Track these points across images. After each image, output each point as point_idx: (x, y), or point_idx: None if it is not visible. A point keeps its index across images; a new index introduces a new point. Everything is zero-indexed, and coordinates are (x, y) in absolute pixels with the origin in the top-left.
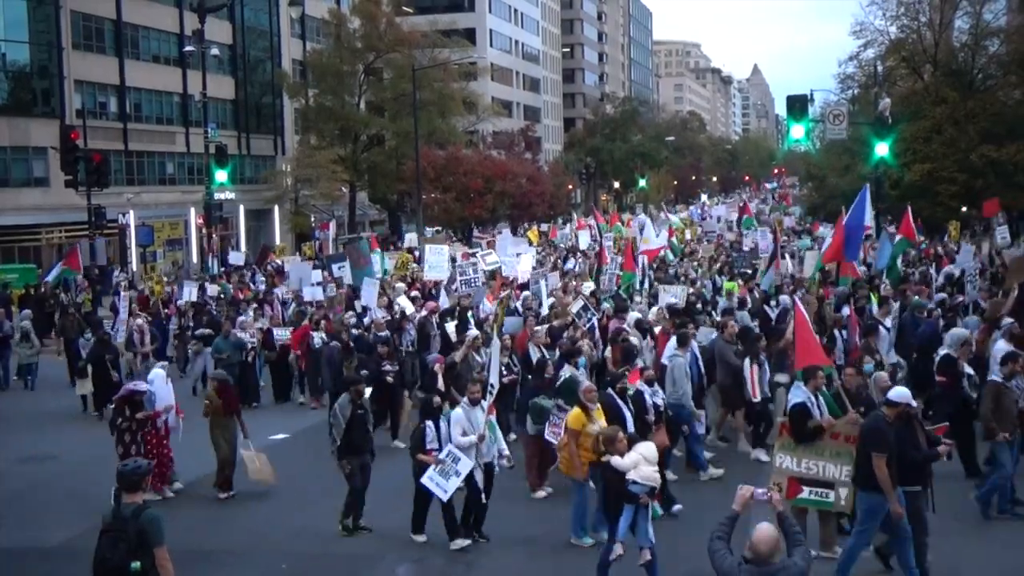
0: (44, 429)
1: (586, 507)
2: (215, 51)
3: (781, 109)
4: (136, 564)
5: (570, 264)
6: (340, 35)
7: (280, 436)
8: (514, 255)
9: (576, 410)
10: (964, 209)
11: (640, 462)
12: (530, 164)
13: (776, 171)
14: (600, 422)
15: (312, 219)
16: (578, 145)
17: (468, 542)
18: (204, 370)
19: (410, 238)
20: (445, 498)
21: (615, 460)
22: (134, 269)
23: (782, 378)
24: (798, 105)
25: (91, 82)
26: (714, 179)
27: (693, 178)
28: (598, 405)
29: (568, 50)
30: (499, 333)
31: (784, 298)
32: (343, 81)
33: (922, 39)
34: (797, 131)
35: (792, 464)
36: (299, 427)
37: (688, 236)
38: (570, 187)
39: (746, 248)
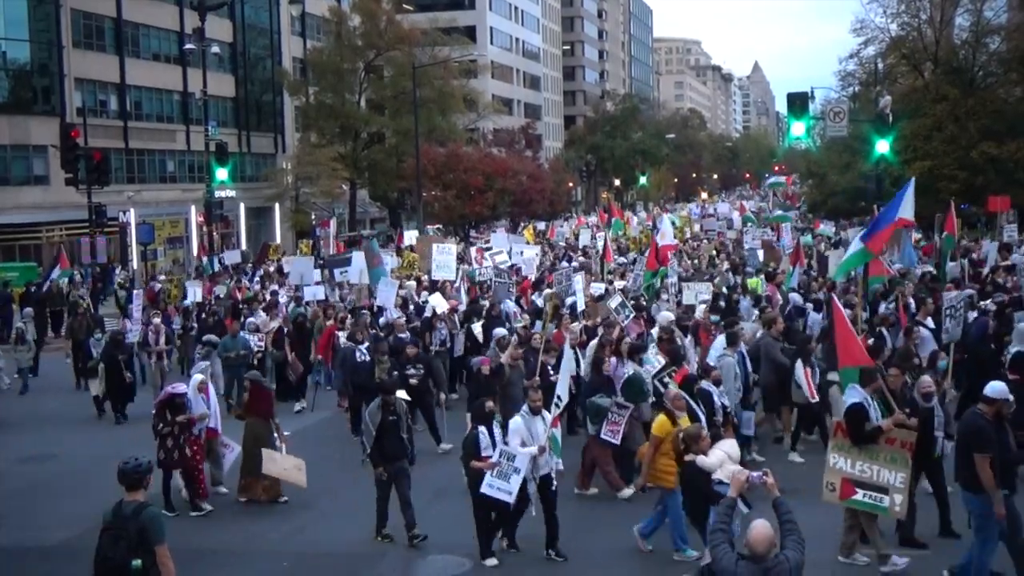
0: (44, 429)
1: (682, 516)
2: (215, 49)
3: (782, 106)
4: (137, 562)
5: (567, 264)
6: (340, 33)
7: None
8: (518, 253)
9: (661, 417)
10: (963, 207)
11: (725, 460)
12: (530, 162)
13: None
14: (679, 428)
15: (313, 217)
16: (578, 142)
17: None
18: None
19: (410, 236)
20: (511, 500)
21: (700, 459)
22: (135, 267)
23: (835, 376)
24: (799, 102)
25: (91, 80)
26: (715, 176)
27: (693, 175)
28: (685, 413)
29: (568, 47)
30: (550, 329)
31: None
32: (343, 79)
33: (923, 36)
34: (798, 128)
35: (846, 465)
36: (298, 426)
37: (688, 234)
38: (570, 185)
39: (747, 246)
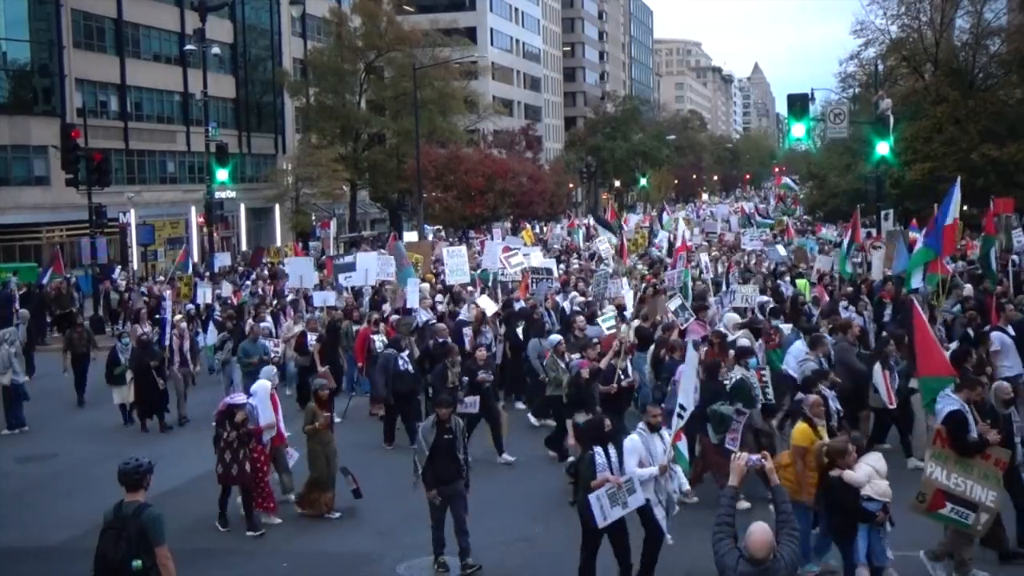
0: (44, 429)
1: (809, 530)
2: (216, 50)
3: (782, 108)
4: (137, 562)
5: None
6: (341, 34)
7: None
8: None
9: (802, 425)
10: (965, 208)
11: (873, 475)
12: (531, 163)
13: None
14: (826, 438)
15: (313, 218)
16: (579, 144)
17: None
18: (236, 382)
19: (409, 237)
20: (601, 525)
21: (847, 474)
22: (135, 268)
23: (916, 384)
24: (799, 104)
25: (92, 81)
26: (715, 178)
27: (694, 177)
28: (825, 422)
29: (569, 49)
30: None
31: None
32: (344, 80)
33: (923, 38)
34: (798, 130)
35: (942, 476)
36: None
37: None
38: (571, 186)
39: (747, 247)
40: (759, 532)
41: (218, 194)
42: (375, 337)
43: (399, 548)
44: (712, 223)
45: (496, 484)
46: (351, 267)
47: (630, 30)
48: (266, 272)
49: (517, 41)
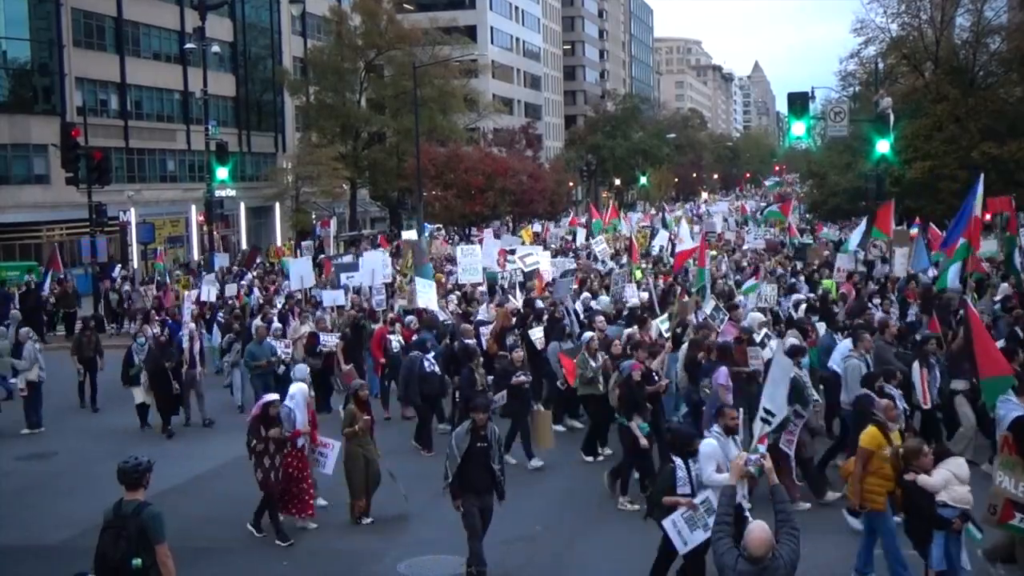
0: (45, 428)
1: (897, 541)
2: (216, 48)
3: (782, 106)
4: (137, 561)
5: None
6: (341, 32)
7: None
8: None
9: (872, 429)
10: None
11: (951, 480)
12: (531, 161)
13: (776, 168)
14: (897, 444)
15: (313, 216)
16: (579, 142)
17: None
18: (242, 385)
19: (409, 235)
20: (683, 551)
21: (922, 479)
22: (135, 266)
23: (959, 385)
24: (799, 102)
25: (92, 79)
26: (715, 176)
27: (694, 175)
28: (897, 425)
29: (569, 47)
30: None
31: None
32: (344, 78)
33: (923, 37)
34: (798, 128)
35: (1010, 485)
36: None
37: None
38: (571, 184)
39: (746, 246)
40: (758, 531)
41: (218, 193)
42: (391, 337)
43: (400, 547)
44: (712, 222)
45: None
46: (354, 267)
47: (630, 28)
48: (258, 272)
49: (517, 39)
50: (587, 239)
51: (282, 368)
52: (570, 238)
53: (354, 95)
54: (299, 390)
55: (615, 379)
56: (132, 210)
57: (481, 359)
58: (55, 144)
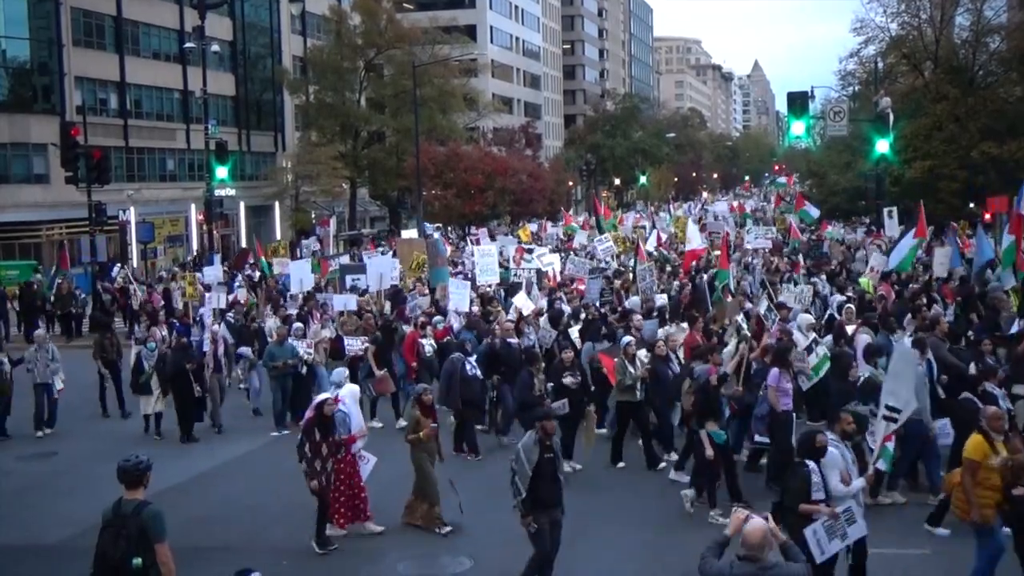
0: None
1: (992, 560)
2: (215, 47)
3: (782, 106)
4: (137, 560)
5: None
6: (341, 31)
7: (283, 432)
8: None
9: (976, 437)
10: (972, 206)
11: None
12: (530, 161)
13: (776, 168)
14: (1005, 455)
15: (313, 215)
16: (579, 142)
17: None
18: (259, 388)
19: (408, 234)
20: (819, 560)
21: None
22: (135, 265)
23: (1022, 389)
24: (799, 102)
25: (91, 78)
26: (715, 176)
27: (694, 175)
28: (1002, 436)
29: (569, 46)
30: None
31: None
32: (343, 77)
33: (923, 36)
34: (798, 128)
35: None
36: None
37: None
38: (571, 184)
39: (747, 246)
40: (755, 521)
41: (218, 192)
42: (423, 341)
43: (400, 547)
44: (716, 223)
45: (495, 481)
46: (360, 268)
47: (630, 28)
48: (247, 274)
49: (517, 39)
50: (589, 239)
51: (304, 369)
52: (566, 238)
53: (354, 94)
54: (351, 392)
55: (689, 386)
56: (132, 209)
57: (543, 364)
58: (55, 143)
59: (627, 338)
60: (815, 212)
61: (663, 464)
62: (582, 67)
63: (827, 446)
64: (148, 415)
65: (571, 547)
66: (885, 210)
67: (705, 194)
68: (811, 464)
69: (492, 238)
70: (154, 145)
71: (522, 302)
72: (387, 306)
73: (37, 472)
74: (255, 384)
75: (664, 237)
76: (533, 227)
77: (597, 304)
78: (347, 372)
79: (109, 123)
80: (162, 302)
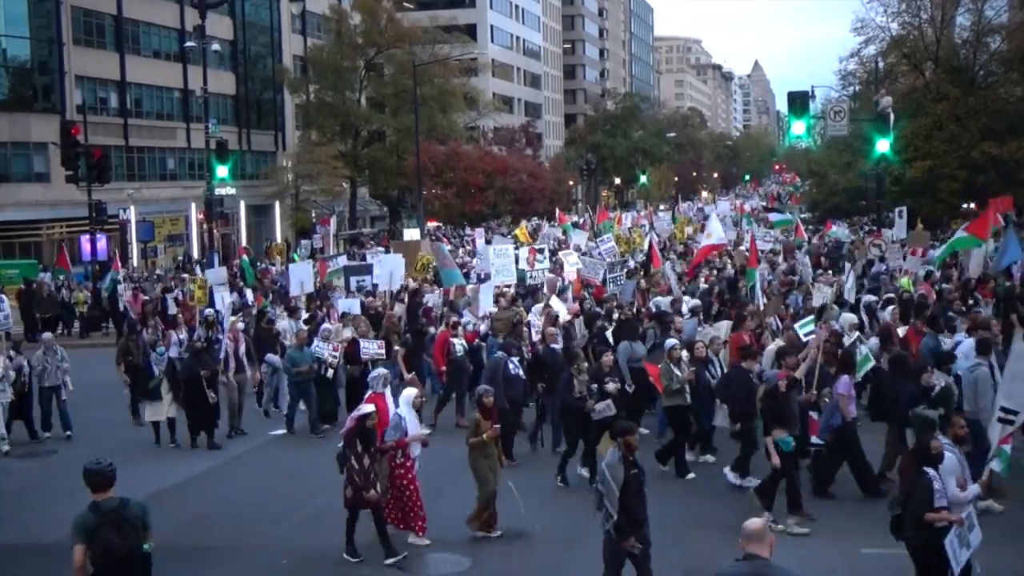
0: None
1: None
2: (216, 47)
3: (782, 105)
4: (148, 546)
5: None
6: (341, 31)
7: (280, 432)
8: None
9: None
10: (972, 206)
11: None
12: (531, 160)
13: (776, 168)
14: None
15: (313, 215)
16: (579, 141)
17: None
18: (278, 392)
19: (409, 234)
20: (956, 570)
21: None
22: (135, 265)
23: None
24: (799, 101)
25: (92, 78)
26: (715, 175)
27: (694, 174)
28: None
29: (569, 46)
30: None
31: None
32: (344, 77)
33: (923, 36)
34: (798, 127)
35: None
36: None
37: (691, 231)
38: (571, 183)
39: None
40: (754, 518)
41: (218, 191)
42: (454, 340)
43: (399, 547)
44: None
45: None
46: (365, 269)
47: (630, 27)
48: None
49: (517, 38)
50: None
51: (330, 372)
52: (563, 237)
53: (354, 93)
54: (407, 395)
55: (762, 390)
56: (132, 208)
57: (584, 364)
58: (55, 142)
59: (671, 341)
60: (782, 216)
61: (691, 475)
62: (582, 66)
63: (943, 452)
64: (158, 422)
65: (569, 548)
66: (896, 210)
67: (705, 193)
68: (931, 471)
69: (488, 242)
70: (154, 144)
71: (559, 305)
72: (397, 308)
73: (37, 472)
74: (284, 387)
75: (662, 238)
76: (531, 226)
77: (631, 304)
78: (387, 372)
79: (109, 122)
80: (149, 305)
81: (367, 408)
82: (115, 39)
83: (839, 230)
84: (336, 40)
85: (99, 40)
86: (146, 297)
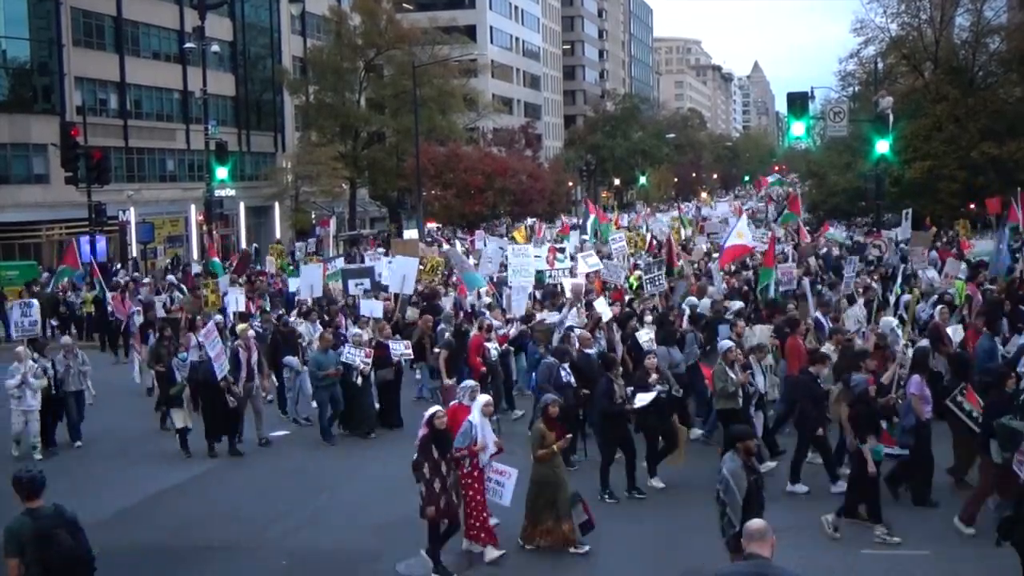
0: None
1: None
2: (215, 48)
3: (782, 106)
4: (94, 550)
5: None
6: (340, 32)
7: (280, 432)
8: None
9: None
10: (972, 206)
11: None
12: (530, 161)
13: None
14: None
15: (313, 216)
16: (578, 142)
17: None
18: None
19: (409, 235)
20: None
21: None
22: (134, 265)
23: None
24: (799, 102)
25: (91, 79)
26: (715, 176)
27: (693, 175)
28: None
29: (569, 47)
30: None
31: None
32: (343, 78)
33: (923, 36)
34: (798, 128)
35: None
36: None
37: (688, 233)
38: (570, 184)
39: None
40: (758, 519)
41: (218, 192)
42: (488, 345)
43: (398, 546)
44: (716, 224)
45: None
46: (365, 272)
47: (630, 28)
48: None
49: (517, 39)
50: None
51: (360, 379)
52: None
53: (353, 95)
54: (481, 402)
55: (838, 393)
56: (131, 210)
57: (621, 368)
58: (55, 143)
59: (726, 343)
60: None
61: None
62: (582, 67)
63: None
64: (181, 429)
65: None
66: (903, 212)
67: (704, 194)
68: None
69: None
70: (154, 145)
71: (602, 308)
72: (410, 311)
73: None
74: (307, 389)
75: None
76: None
77: (679, 305)
78: (476, 385)
79: (109, 123)
80: (135, 309)
81: (433, 408)
82: (115, 40)
83: (836, 232)
84: (336, 41)
85: (99, 41)
86: (136, 305)
